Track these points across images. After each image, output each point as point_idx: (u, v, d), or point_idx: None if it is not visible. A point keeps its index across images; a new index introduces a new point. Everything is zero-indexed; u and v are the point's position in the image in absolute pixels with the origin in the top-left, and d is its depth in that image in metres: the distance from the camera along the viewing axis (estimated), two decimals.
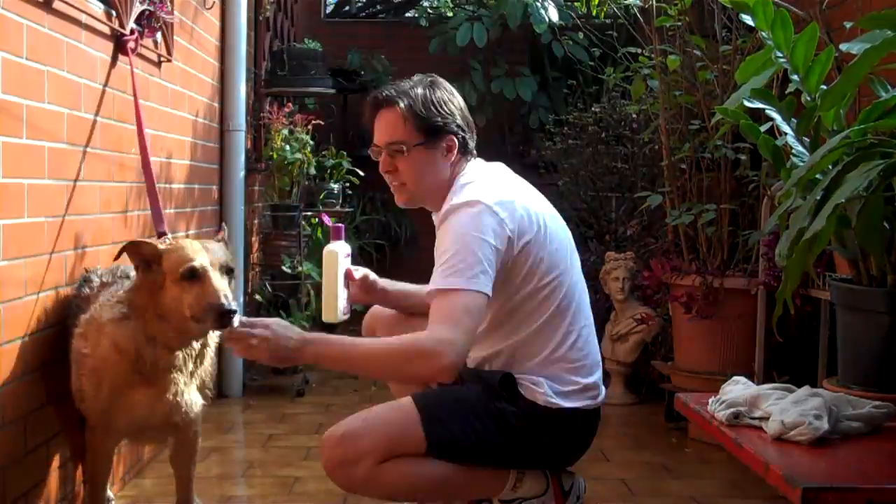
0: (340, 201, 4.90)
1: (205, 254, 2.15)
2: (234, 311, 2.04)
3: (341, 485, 2.10)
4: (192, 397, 2.33)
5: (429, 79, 2.29)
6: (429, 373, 2.05)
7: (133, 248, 2.19)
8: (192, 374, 2.31)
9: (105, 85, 2.74)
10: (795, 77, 2.00)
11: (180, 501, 2.57)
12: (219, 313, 2.04)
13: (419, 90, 2.23)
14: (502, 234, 2.10)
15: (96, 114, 2.68)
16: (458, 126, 2.25)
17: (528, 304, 2.19)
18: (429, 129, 2.21)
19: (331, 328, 2.98)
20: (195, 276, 2.10)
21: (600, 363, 2.31)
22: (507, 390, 2.19)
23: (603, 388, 2.30)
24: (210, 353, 2.39)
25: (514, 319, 2.21)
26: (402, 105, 2.20)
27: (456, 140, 2.24)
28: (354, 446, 2.05)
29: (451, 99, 2.27)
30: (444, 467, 2.13)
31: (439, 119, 2.21)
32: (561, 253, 2.24)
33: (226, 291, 2.09)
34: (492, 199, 2.12)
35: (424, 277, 3.00)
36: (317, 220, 4.81)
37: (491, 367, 2.25)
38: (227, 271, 2.15)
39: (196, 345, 2.28)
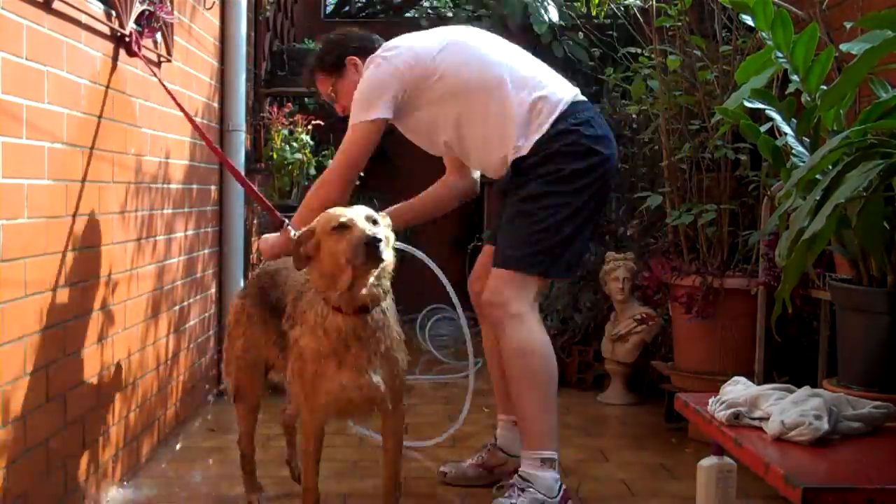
0: None
1: (348, 210, 2.36)
2: (378, 239, 2.24)
3: None
4: (376, 377, 2.37)
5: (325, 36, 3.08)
6: (323, 202, 2.68)
7: (297, 244, 2.36)
8: (375, 353, 2.37)
9: (105, 85, 2.74)
10: (795, 77, 2.00)
11: (387, 477, 2.57)
12: (364, 243, 2.23)
13: (318, 51, 3.05)
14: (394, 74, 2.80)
15: (96, 114, 2.68)
16: (354, 48, 2.95)
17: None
18: (332, 67, 2.98)
19: None
20: (344, 227, 2.29)
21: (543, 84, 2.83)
22: (519, 172, 2.77)
23: (559, 90, 2.84)
24: (390, 317, 2.42)
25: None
26: (311, 68, 3.05)
27: (357, 58, 2.92)
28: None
29: (340, 34, 3.02)
30: None
31: (334, 56, 2.96)
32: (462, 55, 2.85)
33: (371, 229, 2.27)
34: (382, 52, 2.84)
35: (424, 277, 2.99)
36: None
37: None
38: (373, 221, 2.34)
39: (375, 315, 2.35)
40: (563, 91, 2.85)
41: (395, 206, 3.14)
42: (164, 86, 2.96)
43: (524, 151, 2.74)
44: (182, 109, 3.00)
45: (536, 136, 2.74)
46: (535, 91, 2.79)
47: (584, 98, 2.90)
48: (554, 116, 2.75)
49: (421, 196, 3.19)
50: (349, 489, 2.99)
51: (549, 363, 2.72)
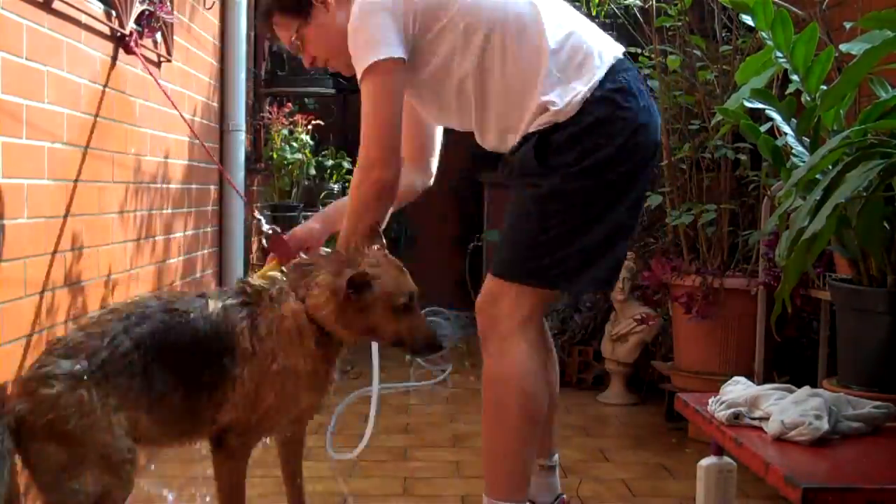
0: None
1: (411, 282, 2.14)
2: (440, 341, 2.21)
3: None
4: None
5: None
6: (374, 191, 2.13)
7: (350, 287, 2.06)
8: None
9: (105, 85, 2.74)
10: (795, 77, 2.01)
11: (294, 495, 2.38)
12: (433, 346, 2.16)
13: None
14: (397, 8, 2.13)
15: (96, 114, 2.68)
16: None
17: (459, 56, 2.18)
18: (294, 7, 2.26)
19: None
20: (408, 309, 2.11)
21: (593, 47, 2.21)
22: (540, 156, 2.17)
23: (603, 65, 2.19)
24: None
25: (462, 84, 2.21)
26: (266, 10, 2.33)
27: None
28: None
29: None
30: None
31: None
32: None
33: (430, 324, 2.23)
34: None
35: (424, 276, 2.99)
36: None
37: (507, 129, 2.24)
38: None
39: None
40: (607, 45, 2.25)
41: (335, 205, 2.54)
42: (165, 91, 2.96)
43: (560, 116, 2.14)
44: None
45: (574, 95, 2.13)
46: (575, 36, 2.20)
47: (626, 57, 2.28)
48: (597, 75, 2.15)
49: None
50: (349, 489, 2.99)
51: (527, 400, 2.21)
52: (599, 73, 2.15)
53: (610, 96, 2.14)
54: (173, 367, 2.00)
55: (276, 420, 2.14)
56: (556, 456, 2.53)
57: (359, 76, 2.12)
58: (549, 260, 2.17)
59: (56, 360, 1.91)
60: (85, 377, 1.90)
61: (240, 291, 2.13)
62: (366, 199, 2.15)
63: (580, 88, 2.13)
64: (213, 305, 2.08)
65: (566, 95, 2.13)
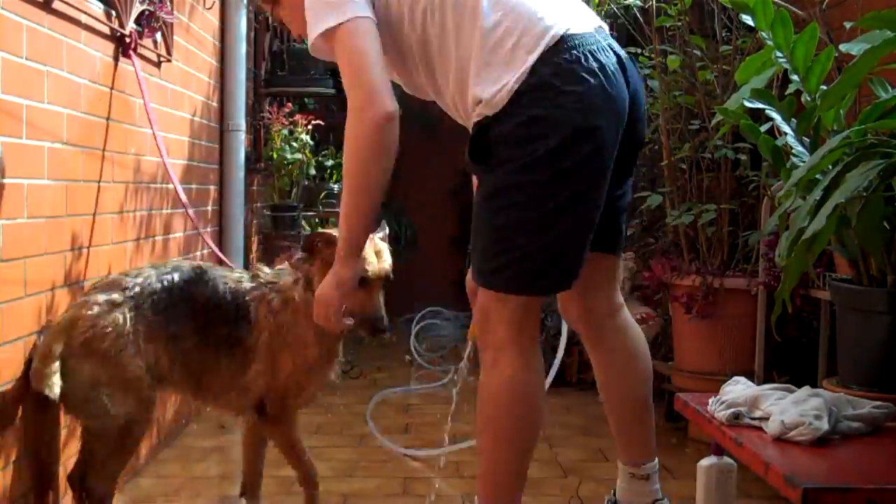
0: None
1: (376, 262, 2.35)
2: (385, 324, 2.35)
3: None
4: None
5: None
6: (374, 130, 1.93)
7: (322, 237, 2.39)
8: None
9: (105, 85, 2.74)
10: (795, 77, 2.01)
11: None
12: (375, 327, 2.34)
13: None
14: None
15: (96, 114, 2.68)
16: None
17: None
18: None
19: None
20: (365, 283, 2.29)
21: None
22: (480, 154, 2.00)
23: (564, 18, 1.98)
24: None
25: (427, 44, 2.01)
26: None
27: None
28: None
29: None
30: None
31: None
32: None
33: (380, 307, 2.35)
34: None
35: (425, 276, 2.98)
36: (317, 220, 4.81)
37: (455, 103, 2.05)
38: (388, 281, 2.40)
39: None
40: (563, 18, 1.97)
41: None
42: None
43: (489, 109, 1.94)
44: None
45: (502, 86, 1.92)
46: (518, 10, 1.95)
47: (598, 29, 2.09)
48: (529, 61, 1.90)
49: None
50: (349, 489, 2.99)
51: (518, 411, 2.08)
52: (532, 58, 1.90)
53: (547, 82, 1.90)
54: (191, 315, 2.35)
55: (301, 385, 2.45)
56: (650, 464, 2.38)
57: (311, 38, 1.96)
58: (505, 260, 2.00)
59: (94, 291, 2.30)
60: (119, 303, 2.26)
61: (256, 275, 2.51)
62: (364, 154, 1.97)
63: (507, 79, 1.91)
64: (234, 276, 2.47)
65: (493, 86, 1.92)
